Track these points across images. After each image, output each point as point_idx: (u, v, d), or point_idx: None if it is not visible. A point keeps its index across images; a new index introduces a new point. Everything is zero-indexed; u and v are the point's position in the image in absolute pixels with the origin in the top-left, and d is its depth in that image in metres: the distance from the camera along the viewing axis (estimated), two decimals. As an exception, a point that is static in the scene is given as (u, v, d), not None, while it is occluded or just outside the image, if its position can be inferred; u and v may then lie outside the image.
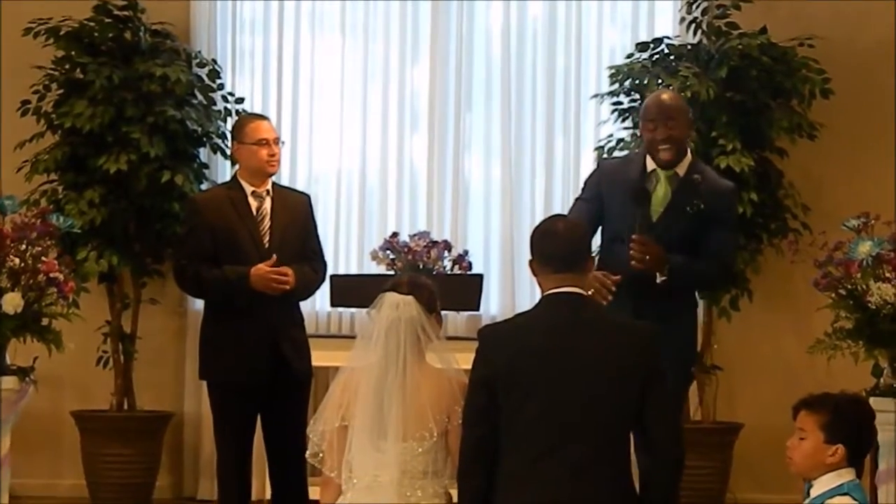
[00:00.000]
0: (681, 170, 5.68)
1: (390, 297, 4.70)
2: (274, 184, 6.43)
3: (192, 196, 6.97)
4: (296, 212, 6.40)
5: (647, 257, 5.45)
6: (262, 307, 6.15)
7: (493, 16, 8.39)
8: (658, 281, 5.50)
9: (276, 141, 6.35)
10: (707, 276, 6.02)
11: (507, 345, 4.55)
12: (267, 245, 6.24)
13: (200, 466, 8.28)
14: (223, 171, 8.22)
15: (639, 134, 6.00)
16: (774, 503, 7.11)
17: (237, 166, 6.47)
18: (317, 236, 6.56)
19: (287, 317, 6.28)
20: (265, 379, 6.01)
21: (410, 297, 4.69)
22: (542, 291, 4.57)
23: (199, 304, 8.19)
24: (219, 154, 8.17)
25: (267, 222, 6.30)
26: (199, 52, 8.23)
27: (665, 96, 6.01)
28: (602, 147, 7.77)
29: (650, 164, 5.67)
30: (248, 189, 6.32)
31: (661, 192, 5.67)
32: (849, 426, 4.40)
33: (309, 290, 6.46)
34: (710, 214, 5.68)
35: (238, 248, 6.23)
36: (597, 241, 5.82)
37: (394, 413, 4.59)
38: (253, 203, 6.30)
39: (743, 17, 7.84)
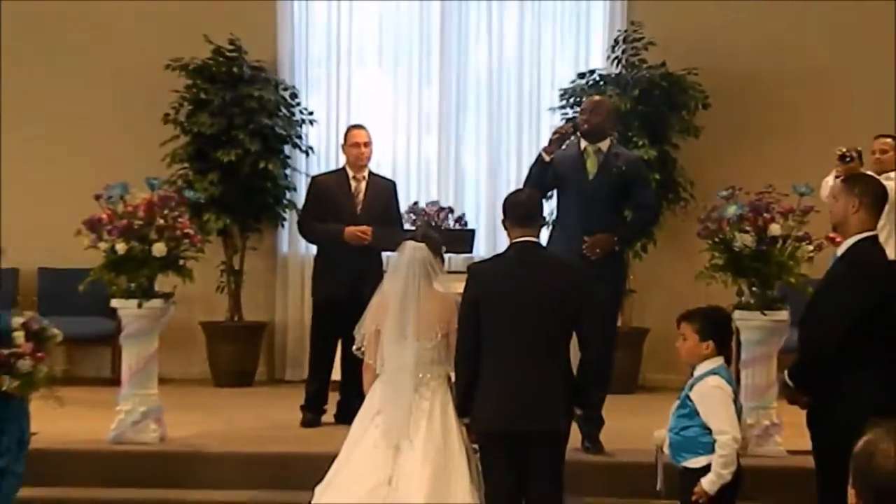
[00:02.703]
0: (604, 146, 5.73)
1: (410, 244, 4.78)
2: (370, 172, 6.51)
3: (314, 177, 6.90)
4: (381, 193, 6.50)
5: (598, 250, 5.54)
6: (350, 253, 6.27)
7: (481, 56, 8.41)
8: (616, 249, 5.62)
9: (366, 144, 6.44)
10: (644, 225, 6.19)
11: (487, 275, 4.61)
12: (359, 212, 6.36)
13: (287, 359, 8.30)
14: (301, 161, 8.26)
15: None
16: (670, 380, 7.05)
17: (344, 156, 6.57)
18: (398, 209, 6.64)
19: (367, 261, 6.27)
20: (346, 300, 5.96)
21: (423, 244, 4.76)
22: (510, 240, 4.60)
23: (286, 248, 8.38)
24: (297, 150, 8.19)
25: (360, 198, 6.41)
26: (283, 80, 8.26)
27: (594, 97, 6.17)
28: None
29: (583, 144, 5.74)
30: (351, 174, 6.45)
31: (592, 161, 5.72)
32: (713, 327, 4.45)
33: (385, 246, 6.23)
34: (631, 177, 5.75)
35: (339, 212, 6.35)
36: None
37: (411, 321, 4.65)
38: (353, 184, 6.42)
39: (649, 54, 7.85)
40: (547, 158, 5.62)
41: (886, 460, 2.14)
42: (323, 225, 6.39)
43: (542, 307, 4.45)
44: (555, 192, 5.88)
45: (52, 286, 7.88)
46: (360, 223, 6.28)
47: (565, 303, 4.48)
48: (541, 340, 4.45)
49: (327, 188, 6.48)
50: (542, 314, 4.45)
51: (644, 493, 4.84)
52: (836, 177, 5.81)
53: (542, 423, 4.44)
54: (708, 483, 4.28)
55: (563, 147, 5.74)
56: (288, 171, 8.12)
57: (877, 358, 4.28)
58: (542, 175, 5.63)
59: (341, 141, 6.68)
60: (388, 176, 7.05)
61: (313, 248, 6.88)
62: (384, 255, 6.34)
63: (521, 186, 5.26)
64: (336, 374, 6.46)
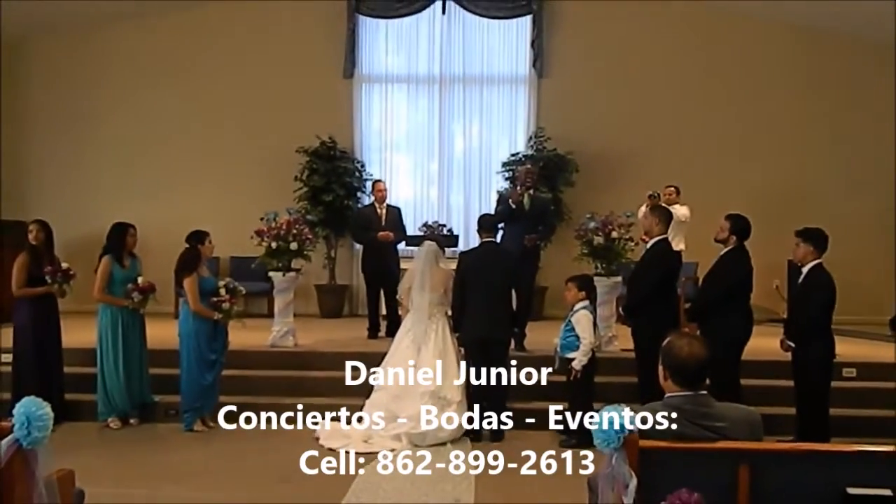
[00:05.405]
0: (529, 193, 5.67)
1: (426, 242, 4.76)
2: (388, 205, 6.42)
3: (360, 208, 6.85)
4: (393, 214, 6.37)
5: (529, 244, 5.47)
6: (381, 246, 6.17)
7: (459, 144, 8.20)
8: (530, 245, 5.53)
9: (385, 190, 6.38)
10: (547, 233, 5.99)
11: (468, 260, 4.60)
12: (383, 225, 6.24)
13: (359, 303, 8.15)
14: (366, 201, 8.04)
15: (515, 181, 6.01)
16: (560, 313, 6.74)
17: (373, 196, 6.46)
18: (402, 221, 6.48)
19: (388, 251, 6.23)
20: (380, 272, 5.96)
21: (433, 243, 4.75)
22: (480, 240, 4.62)
23: (357, 246, 7.96)
24: (364, 195, 8.03)
25: (383, 219, 6.29)
26: (357, 158, 8.10)
27: (525, 166, 6.01)
28: (500, 192, 7.52)
29: (520, 192, 5.69)
30: (378, 205, 6.32)
31: (526, 200, 5.63)
32: (584, 285, 4.47)
33: (398, 241, 6.33)
34: (542, 209, 5.71)
35: (372, 225, 6.22)
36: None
37: (426, 283, 4.64)
38: (379, 211, 6.30)
39: (548, 143, 7.80)
40: (513, 206, 5.58)
41: (680, 349, 2.25)
42: (366, 232, 6.32)
43: (496, 275, 4.49)
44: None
45: (238, 265, 7.82)
46: (383, 231, 6.27)
47: (508, 273, 4.53)
48: (495, 292, 4.48)
49: (366, 213, 6.43)
50: (496, 279, 4.48)
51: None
52: (646, 206, 5.87)
53: (496, 335, 4.48)
54: (576, 364, 4.38)
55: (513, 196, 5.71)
56: (359, 206, 7.98)
57: (665, 301, 4.40)
58: (507, 213, 5.61)
59: (371, 189, 6.61)
60: (409, 208, 6.99)
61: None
62: (397, 248, 6.30)
63: (483, 213, 5.22)
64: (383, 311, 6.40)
